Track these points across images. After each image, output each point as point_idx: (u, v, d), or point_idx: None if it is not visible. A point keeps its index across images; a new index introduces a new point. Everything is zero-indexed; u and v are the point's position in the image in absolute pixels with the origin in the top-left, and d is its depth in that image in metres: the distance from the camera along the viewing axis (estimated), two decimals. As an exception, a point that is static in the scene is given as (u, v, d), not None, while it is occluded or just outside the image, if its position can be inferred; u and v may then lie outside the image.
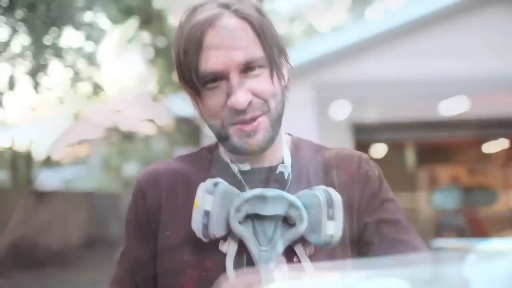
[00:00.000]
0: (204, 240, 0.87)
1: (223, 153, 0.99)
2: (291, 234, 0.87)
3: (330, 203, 0.86)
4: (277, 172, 0.94)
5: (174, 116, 6.65)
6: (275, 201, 0.87)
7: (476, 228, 8.11)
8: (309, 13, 17.86)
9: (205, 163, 0.99)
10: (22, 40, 8.93)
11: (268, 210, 0.87)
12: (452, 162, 9.87)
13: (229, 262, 0.88)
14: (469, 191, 8.50)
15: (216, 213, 0.85)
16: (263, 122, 0.89)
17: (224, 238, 0.89)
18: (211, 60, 0.86)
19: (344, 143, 5.31)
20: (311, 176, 0.95)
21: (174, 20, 15.88)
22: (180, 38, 0.89)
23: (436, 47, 5.61)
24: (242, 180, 0.93)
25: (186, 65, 0.88)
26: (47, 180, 14.36)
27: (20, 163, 12.77)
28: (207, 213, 0.85)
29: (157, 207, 0.96)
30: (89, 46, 10.40)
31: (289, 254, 0.89)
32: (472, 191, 8.60)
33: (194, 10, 0.89)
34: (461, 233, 7.23)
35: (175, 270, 0.91)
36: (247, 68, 0.87)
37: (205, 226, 0.85)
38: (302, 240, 0.89)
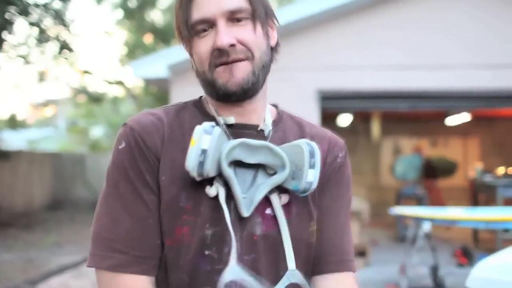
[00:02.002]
0: (197, 178, 0.90)
1: (209, 107, 1.03)
2: (272, 181, 0.93)
3: (312, 153, 0.93)
4: (258, 129, 1.00)
5: (142, 78, 6.58)
6: (258, 150, 0.93)
7: (434, 197, 8.40)
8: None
9: (194, 114, 1.03)
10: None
11: (251, 158, 0.93)
12: (415, 133, 10.13)
13: (223, 204, 0.92)
14: (430, 162, 8.75)
15: (211, 152, 0.89)
16: (245, 66, 0.95)
17: (210, 183, 0.93)
18: (201, 9, 0.94)
19: (310, 111, 5.39)
20: (289, 140, 1.01)
21: (145, -20, 15.48)
22: None
23: (401, 17, 5.69)
24: (227, 131, 0.98)
25: (180, 17, 0.97)
26: (11, 140, 14.06)
27: (-16, 122, 12.45)
28: (204, 152, 0.89)
29: (158, 151, 0.96)
30: (56, 4, 10.09)
31: (265, 203, 0.95)
32: (433, 162, 8.85)
33: None
34: (420, 202, 7.48)
35: (172, 216, 0.93)
36: (233, 18, 0.94)
37: (201, 164, 0.89)
38: (279, 189, 0.95)
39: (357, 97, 5.94)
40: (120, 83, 15.88)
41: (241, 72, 0.94)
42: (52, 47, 11.57)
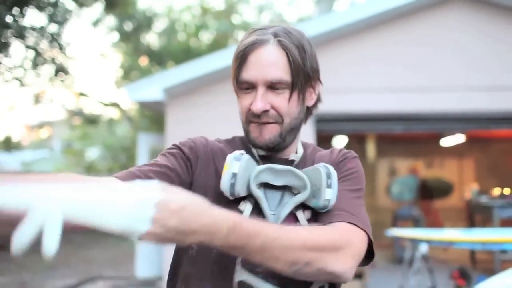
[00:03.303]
0: (230, 198, 1.08)
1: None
2: (296, 199, 1.08)
3: (328, 175, 1.08)
4: (289, 159, 1.19)
5: (137, 101, 6.60)
6: (283, 173, 1.10)
7: (431, 218, 8.39)
8: (277, 3, 17.89)
9: (236, 145, 1.24)
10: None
11: (277, 180, 1.09)
12: (411, 155, 10.16)
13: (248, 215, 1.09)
14: (426, 183, 8.76)
15: (241, 175, 1.07)
16: (274, 128, 1.13)
17: (243, 200, 1.11)
18: (249, 72, 1.12)
19: (306, 133, 5.41)
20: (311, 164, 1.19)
21: (142, 4, 15.66)
22: (236, 51, 1.15)
23: (395, 40, 5.76)
24: (260, 161, 1.18)
25: (233, 72, 1.16)
26: (6, 162, 14.01)
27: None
28: (234, 175, 1.06)
29: (200, 160, 1.18)
30: (53, 27, 10.15)
31: (292, 218, 1.11)
32: (428, 183, 8.87)
33: (253, 31, 1.16)
34: (416, 223, 7.47)
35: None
36: (273, 86, 1.11)
37: (232, 186, 1.06)
38: (303, 207, 1.11)
39: (352, 119, 5.97)
40: (115, 105, 15.91)
41: (269, 133, 1.13)
42: (48, 69, 11.63)
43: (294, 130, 1.16)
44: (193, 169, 1.16)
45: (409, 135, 8.62)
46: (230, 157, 1.09)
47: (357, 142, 9.48)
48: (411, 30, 5.77)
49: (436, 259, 6.89)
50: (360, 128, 6.38)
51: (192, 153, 1.18)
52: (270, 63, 1.10)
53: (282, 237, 0.92)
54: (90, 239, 11.77)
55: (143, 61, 15.84)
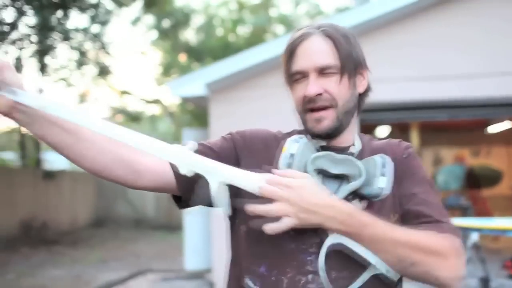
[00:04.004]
0: None
1: (308, 135, 1.24)
2: (349, 187, 1.09)
3: (383, 164, 1.11)
4: (348, 151, 1.20)
5: (180, 97, 6.71)
6: (341, 162, 1.11)
7: (479, 207, 8.20)
8: (314, -7, 17.75)
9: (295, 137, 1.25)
10: (29, 22, 8.95)
11: (335, 169, 1.10)
12: (455, 143, 9.94)
13: None
14: (473, 171, 8.56)
15: (298, 156, 1.10)
16: (330, 114, 1.15)
17: None
18: (298, 63, 1.17)
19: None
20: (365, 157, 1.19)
21: (179, 1, 15.85)
22: (285, 49, 1.21)
23: (437, 27, 5.65)
24: (317, 149, 1.18)
25: (284, 67, 1.21)
26: (55, 160, 14.48)
27: (29, 143, 12.88)
28: (292, 155, 1.10)
29: (248, 149, 1.22)
30: (95, 28, 10.43)
31: None
32: (476, 172, 8.66)
33: (298, 29, 1.22)
34: (464, 213, 7.32)
35: (262, 201, 1.06)
36: (323, 71, 1.15)
37: (289, 166, 1.09)
38: (358, 196, 1.12)
39: (395, 108, 5.90)
40: (157, 102, 16.20)
41: (327, 121, 1.15)
42: (92, 69, 11.97)
43: (348, 114, 1.18)
44: (239, 155, 1.21)
45: (453, 123, 8.44)
46: (289, 140, 1.13)
47: (399, 131, 9.34)
48: (453, 15, 5.64)
49: (486, 249, 6.75)
50: (403, 117, 6.30)
51: (241, 141, 1.22)
52: (317, 50, 1.15)
53: (392, 233, 1.01)
54: (137, 234, 12.08)
55: (182, 57, 16.06)
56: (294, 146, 1.11)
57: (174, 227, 12.17)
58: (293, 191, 1.00)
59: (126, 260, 8.40)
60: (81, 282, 6.75)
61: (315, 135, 1.18)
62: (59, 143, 1.06)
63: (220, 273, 5.70)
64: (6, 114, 1.01)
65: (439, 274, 1.02)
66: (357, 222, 1.00)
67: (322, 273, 1.04)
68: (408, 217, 1.13)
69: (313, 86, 1.14)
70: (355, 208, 1.02)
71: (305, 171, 1.09)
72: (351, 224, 1.00)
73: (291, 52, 1.19)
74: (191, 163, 1.06)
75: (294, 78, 1.18)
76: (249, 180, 1.04)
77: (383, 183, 1.08)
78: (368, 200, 1.12)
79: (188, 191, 1.16)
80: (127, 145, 1.10)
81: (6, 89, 0.99)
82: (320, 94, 1.14)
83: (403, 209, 1.15)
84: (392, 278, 1.08)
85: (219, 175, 1.05)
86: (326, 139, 1.19)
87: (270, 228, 1.00)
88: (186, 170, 1.05)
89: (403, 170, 1.18)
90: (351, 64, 1.18)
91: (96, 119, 1.07)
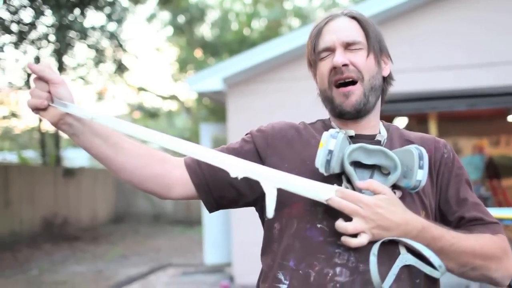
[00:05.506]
0: (325, 174, 1.11)
1: (333, 123, 1.26)
2: (389, 181, 1.11)
3: (421, 156, 1.10)
4: (375, 139, 1.21)
5: (198, 92, 6.76)
6: (374, 153, 1.11)
7: (500, 198, 8.11)
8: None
9: (319, 128, 1.26)
10: (47, 21, 9.05)
11: (368, 160, 1.11)
12: (474, 133, 9.82)
13: (347, 187, 1.12)
14: (493, 161, 8.46)
15: (336, 153, 1.09)
16: (357, 88, 1.17)
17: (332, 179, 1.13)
18: (325, 40, 1.20)
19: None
20: (395, 147, 1.19)
21: (193, -4, 15.85)
22: (311, 32, 1.24)
23: (457, 16, 5.58)
24: (348, 139, 1.18)
25: (309, 46, 1.23)
26: (74, 158, 14.66)
27: (49, 142, 13.06)
28: (330, 152, 1.09)
29: (272, 148, 1.22)
30: (111, 26, 10.51)
31: None
32: (496, 162, 8.55)
33: (324, 15, 1.25)
34: (485, 203, 7.23)
35: (293, 195, 1.11)
36: (349, 46, 1.17)
37: (328, 162, 1.09)
38: (393, 187, 1.12)
39: (413, 99, 5.86)
40: (174, 97, 16.27)
41: (354, 96, 1.17)
42: (109, 67, 12.07)
43: (374, 92, 1.20)
44: (262, 155, 1.22)
45: (472, 112, 8.34)
46: (326, 135, 1.11)
47: (417, 122, 9.27)
48: (472, 7, 5.56)
49: (508, 239, 6.68)
50: (421, 107, 6.25)
51: (262, 141, 1.23)
52: (343, 28, 1.19)
53: (458, 244, 1.09)
54: (156, 229, 12.19)
55: (198, 53, 16.09)
56: (332, 142, 1.10)
57: (193, 222, 12.26)
58: (370, 209, 1.04)
59: (146, 255, 8.50)
60: (103, 278, 6.85)
61: (343, 112, 1.18)
62: (101, 154, 1.14)
63: (240, 267, 5.75)
64: (55, 124, 1.11)
65: (495, 276, 1.13)
66: (429, 236, 1.06)
67: (373, 257, 1.04)
68: (463, 223, 1.18)
69: (339, 56, 1.15)
70: (427, 222, 1.08)
71: (342, 166, 1.10)
72: (423, 238, 1.06)
73: (317, 32, 1.22)
74: (247, 169, 1.11)
75: (320, 56, 1.20)
76: (315, 189, 1.07)
77: (420, 176, 1.09)
78: (402, 190, 1.14)
79: (214, 197, 1.22)
80: (162, 159, 1.20)
81: (58, 102, 1.09)
82: (346, 65, 1.16)
83: (454, 214, 1.19)
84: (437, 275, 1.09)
85: (275, 181, 1.08)
86: (354, 119, 1.20)
87: (349, 242, 1.05)
88: (236, 174, 1.10)
89: (448, 171, 1.21)
90: (376, 43, 1.21)
91: (144, 129, 1.14)
